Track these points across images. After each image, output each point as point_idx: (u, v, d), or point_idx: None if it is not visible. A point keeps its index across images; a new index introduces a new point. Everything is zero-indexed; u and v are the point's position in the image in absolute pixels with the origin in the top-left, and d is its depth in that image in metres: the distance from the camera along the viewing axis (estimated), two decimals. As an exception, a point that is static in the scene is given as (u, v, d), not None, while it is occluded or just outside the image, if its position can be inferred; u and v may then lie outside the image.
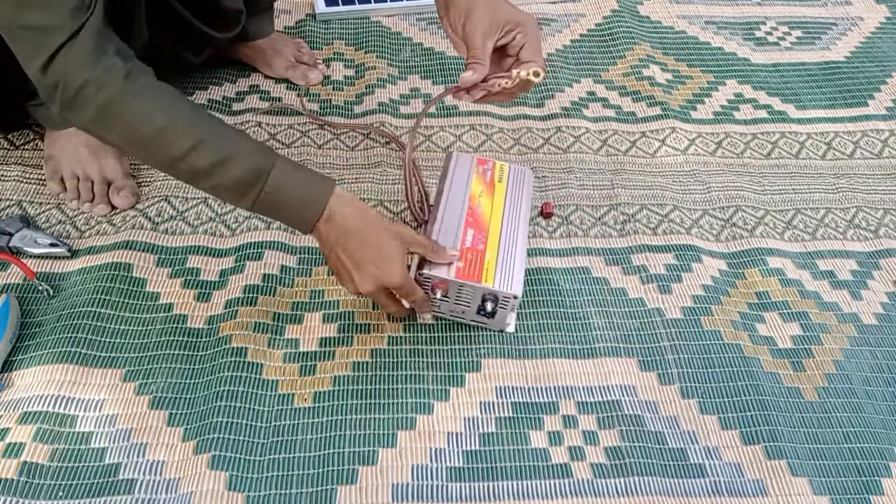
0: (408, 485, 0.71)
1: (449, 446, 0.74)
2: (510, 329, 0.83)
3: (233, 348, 0.78)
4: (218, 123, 0.71)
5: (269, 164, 0.69)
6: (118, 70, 0.67)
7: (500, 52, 0.77)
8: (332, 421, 0.75)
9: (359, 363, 0.79)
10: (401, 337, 0.82)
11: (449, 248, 0.78)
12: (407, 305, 0.78)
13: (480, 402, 0.77)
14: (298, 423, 0.74)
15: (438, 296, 0.78)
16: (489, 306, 0.78)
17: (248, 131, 1.03)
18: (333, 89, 1.11)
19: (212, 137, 0.68)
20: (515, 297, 0.77)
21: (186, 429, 0.73)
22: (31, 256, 0.85)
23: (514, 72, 0.76)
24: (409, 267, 0.76)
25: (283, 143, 1.02)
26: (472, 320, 0.82)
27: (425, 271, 0.77)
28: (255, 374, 0.77)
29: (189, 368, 0.78)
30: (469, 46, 0.75)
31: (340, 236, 0.72)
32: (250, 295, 0.84)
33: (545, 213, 0.96)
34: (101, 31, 0.67)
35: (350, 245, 0.72)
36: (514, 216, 0.85)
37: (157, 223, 0.90)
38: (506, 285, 0.77)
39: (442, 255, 0.77)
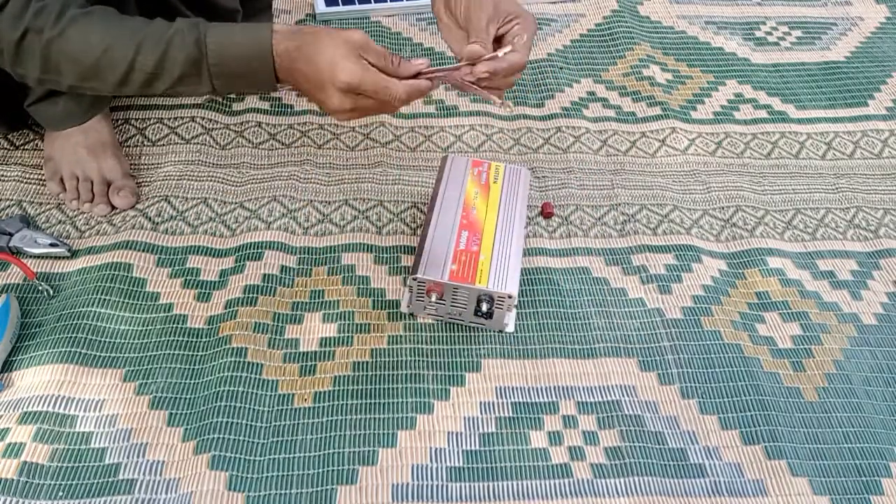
0: (408, 485, 0.71)
1: (449, 446, 0.74)
2: (509, 329, 0.83)
3: (233, 348, 0.78)
4: (150, 23, 0.70)
5: (204, 30, 0.68)
6: (49, 10, 0.68)
7: (497, 43, 0.77)
8: (332, 421, 0.75)
9: (359, 363, 0.79)
10: (401, 337, 0.82)
11: (415, 60, 0.72)
12: (396, 98, 0.71)
13: (480, 402, 0.77)
14: (298, 423, 0.74)
15: (434, 299, 0.78)
16: (485, 307, 0.78)
17: (248, 131, 1.03)
18: (333, 89, 1.10)
19: (149, 35, 0.69)
20: (510, 297, 0.78)
21: (186, 429, 0.73)
22: (31, 256, 0.85)
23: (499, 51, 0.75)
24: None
25: (282, 143, 1.02)
26: (471, 322, 0.82)
27: (419, 275, 0.77)
28: (255, 374, 0.77)
29: (189, 368, 0.78)
30: (472, 30, 0.75)
31: (294, 65, 0.69)
32: (250, 295, 0.84)
33: (545, 213, 0.96)
34: None
35: (303, 70, 0.69)
36: (509, 216, 0.85)
37: (157, 223, 0.90)
38: (500, 285, 0.78)
39: (405, 66, 0.71)
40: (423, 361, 0.80)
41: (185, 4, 0.90)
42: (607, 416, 0.77)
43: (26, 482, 0.68)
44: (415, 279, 0.78)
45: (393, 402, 0.76)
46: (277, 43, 0.69)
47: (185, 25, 0.69)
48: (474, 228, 0.83)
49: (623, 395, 0.79)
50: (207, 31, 0.69)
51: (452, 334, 0.83)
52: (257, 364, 0.78)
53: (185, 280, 0.85)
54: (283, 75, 0.70)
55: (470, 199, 0.87)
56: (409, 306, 0.83)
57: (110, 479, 0.69)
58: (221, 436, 0.72)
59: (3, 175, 0.94)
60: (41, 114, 0.91)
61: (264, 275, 0.86)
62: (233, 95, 1.08)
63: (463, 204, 0.86)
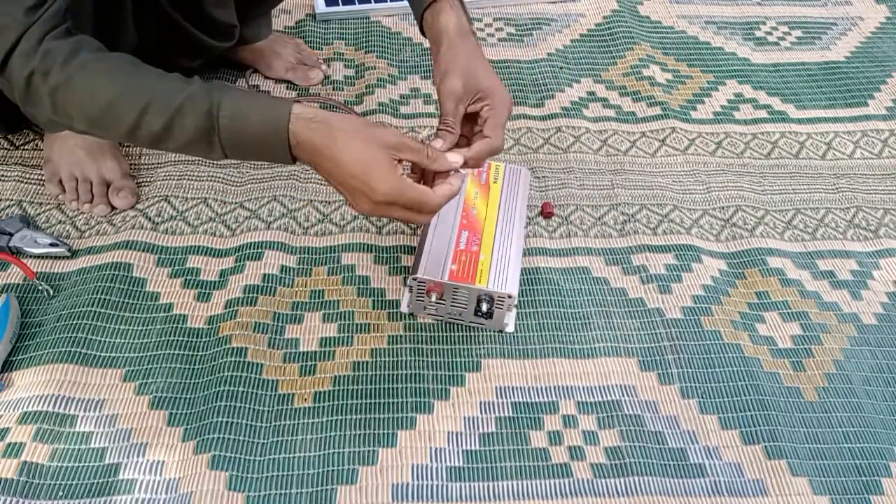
0: (408, 485, 0.71)
1: (449, 446, 0.74)
2: (509, 329, 0.83)
3: (233, 348, 0.78)
4: (162, 80, 0.66)
5: (217, 102, 0.63)
6: (57, 53, 0.64)
7: (472, 117, 0.75)
8: (332, 421, 0.75)
9: (359, 363, 0.79)
10: (401, 336, 0.82)
11: (450, 154, 0.69)
12: (431, 212, 0.67)
13: (480, 402, 0.77)
14: (298, 423, 0.74)
15: (434, 299, 0.78)
16: (485, 307, 0.78)
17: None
18: (333, 89, 1.11)
19: (158, 96, 0.64)
20: (510, 297, 0.78)
21: (186, 429, 0.73)
22: (31, 256, 0.85)
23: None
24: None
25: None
26: (471, 321, 0.82)
27: (419, 275, 0.78)
28: (255, 374, 0.77)
29: (189, 368, 0.78)
30: (442, 110, 0.73)
31: (315, 159, 0.65)
32: (250, 295, 0.84)
33: (545, 213, 0.96)
34: (51, 22, 0.65)
35: (326, 167, 0.65)
36: (509, 216, 0.86)
37: (157, 223, 0.90)
38: (500, 285, 0.78)
39: (441, 161, 0.68)
40: (423, 361, 0.80)
41: (187, 16, 0.90)
42: (607, 416, 0.77)
43: (26, 482, 0.68)
44: (415, 279, 0.78)
45: (393, 402, 0.76)
46: (297, 132, 0.64)
47: (198, 91, 0.64)
48: (474, 228, 0.83)
49: (623, 395, 0.79)
50: (221, 103, 0.64)
51: (452, 334, 0.83)
52: (257, 364, 0.78)
53: (185, 280, 0.85)
54: (301, 157, 0.66)
55: (470, 199, 0.87)
56: (409, 306, 0.83)
57: (110, 479, 0.69)
58: (221, 436, 0.72)
59: (3, 175, 0.94)
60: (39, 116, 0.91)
61: (264, 275, 0.86)
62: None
63: (463, 204, 0.86)
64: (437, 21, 0.74)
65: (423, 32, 0.78)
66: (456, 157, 0.69)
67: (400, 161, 0.65)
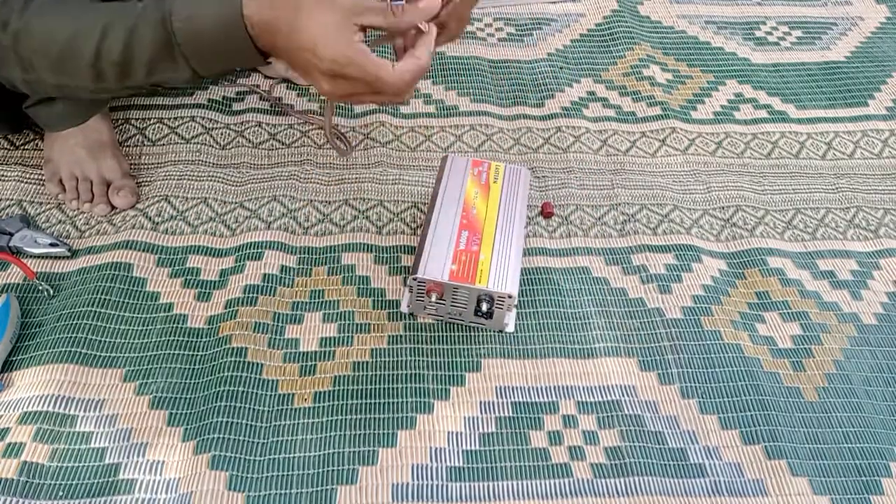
0: (408, 484, 0.71)
1: (449, 446, 0.74)
2: (509, 329, 0.83)
3: (233, 348, 0.78)
4: (115, 6, 0.64)
5: (169, 9, 0.61)
6: (13, 1, 0.64)
7: None
8: (332, 421, 0.75)
9: (359, 363, 0.79)
10: (401, 336, 0.82)
11: (422, 2, 0.60)
12: (387, 97, 0.62)
13: (480, 402, 0.77)
14: (298, 423, 0.74)
15: (434, 299, 0.78)
16: (485, 307, 0.78)
17: (248, 131, 1.03)
18: (333, 89, 1.10)
19: (112, 21, 0.63)
20: (510, 297, 0.78)
21: (186, 429, 0.73)
22: (31, 256, 0.85)
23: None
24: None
25: (283, 143, 1.02)
26: (471, 322, 0.82)
27: (419, 275, 0.78)
28: (255, 374, 0.77)
29: (189, 368, 0.78)
30: None
31: (278, 42, 0.60)
32: (250, 295, 0.84)
33: (545, 213, 0.96)
34: None
35: (287, 50, 0.60)
36: (510, 216, 0.86)
37: (157, 223, 0.90)
38: (500, 285, 0.78)
39: (412, 14, 0.59)
40: (423, 361, 0.80)
41: None
42: (607, 416, 0.77)
43: (26, 482, 0.68)
44: (415, 279, 0.78)
45: (393, 402, 0.76)
46: (251, 14, 0.59)
47: (149, 4, 0.62)
48: (474, 228, 0.83)
49: (623, 395, 0.79)
50: (173, 10, 0.61)
51: (452, 334, 0.83)
52: (257, 364, 0.78)
53: (185, 280, 0.85)
54: (267, 49, 0.61)
55: (470, 199, 0.87)
56: (409, 306, 0.83)
57: (110, 479, 0.69)
58: (221, 436, 0.72)
59: (3, 175, 0.94)
60: (40, 115, 0.91)
61: (264, 274, 0.86)
62: (232, 95, 1.08)
63: (463, 204, 0.86)
64: None
65: None
66: (432, 3, 0.60)
67: (364, 30, 0.58)
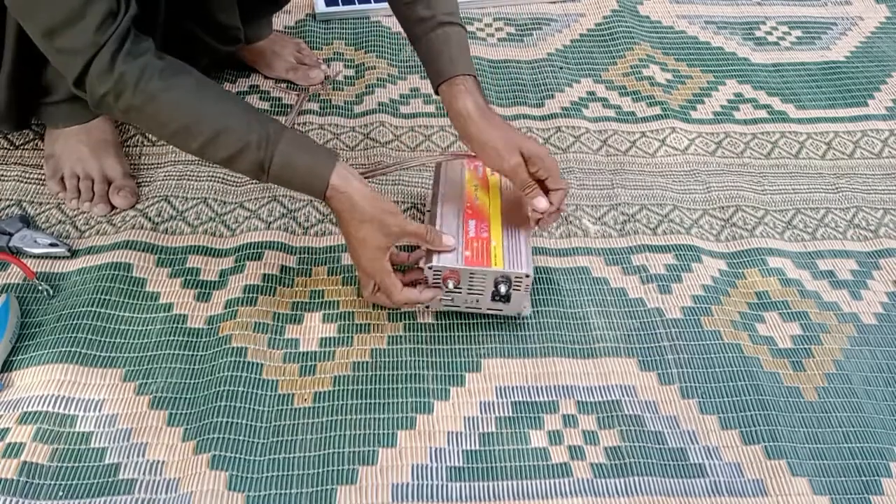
0: (408, 484, 0.71)
1: (449, 446, 0.74)
2: (527, 312, 0.82)
3: (233, 348, 0.78)
4: (226, 116, 0.72)
5: (270, 156, 0.72)
6: (129, 77, 0.69)
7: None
8: (331, 421, 0.75)
9: (359, 363, 0.79)
10: (401, 336, 0.82)
11: (446, 234, 0.78)
12: (388, 301, 0.79)
13: (480, 402, 0.77)
14: (298, 423, 0.74)
15: (451, 286, 0.77)
16: (503, 289, 0.77)
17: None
18: (333, 89, 1.11)
19: (221, 135, 0.72)
20: (528, 276, 0.77)
21: (186, 429, 0.73)
22: (30, 256, 0.85)
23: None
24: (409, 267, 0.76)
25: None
26: (489, 309, 0.81)
27: (434, 263, 0.77)
28: (255, 374, 0.77)
29: (189, 368, 0.78)
30: (514, 180, 0.80)
31: (338, 215, 0.76)
32: (250, 295, 0.84)
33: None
34: (121, 38, 0.69)
35: (343, 226, 0.77)
36: (513, 202, 0.85)
37: (157, 223, 0.90)
38: (516, 266, 0.77)
39: (438, 241, 0.77)
40: (423, 361, 0.80)
41: (195, 20, 0.91)
42: (607, 416, 0.77)
43: (26, 482, 0.68)
44: (430, 268, 0.77)
45: (393, 402, 0.76)
46: (330, 197, 0.74)
47: (254, 141, 0.72)
48: (480, 216, 0.82)
49: (623, 395, 0.79)
50: (273, 158, 0.72)
51: (452, 334, 0.83)
52: (257, 364, 0.78)
53: (185, 280, 0.85)
54: (331, 205, 0.76)
55: (471, 191, 0.86)
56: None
57: (110, 479, 0.69)
58: (221, 436, 0.72)
59: (3, 175, 0.94)
60: (45, 112, 0.91)
61: (264, 275, 0.86)
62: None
63: (465, 195, 0.85)
64: (455, 103, 0.80)
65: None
66: (450, 241, 0.78)
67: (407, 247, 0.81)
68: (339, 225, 0.77)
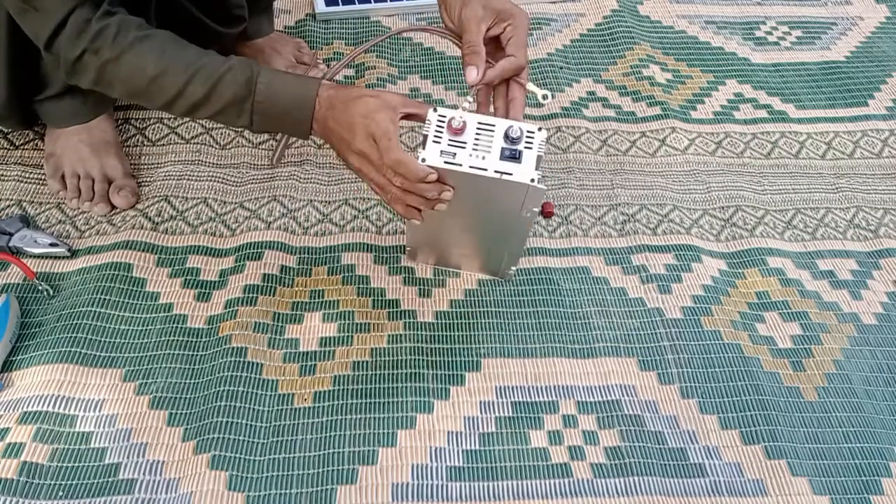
0: (408, 484, 0.71)
1: (449, 446, 0.74)
2: (540, 186, 0.70)
3: (233, 348, 0.78)
4: (205, 54, 0.73)
5: (257, 72, 0.72)
6: (107, 32, 0.70)
7: (495, 43, 0.76)
8: (331, 421, 0.75)
9: (359, 363, 0.79)
10: (401, 336, 0.82)
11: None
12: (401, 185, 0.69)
13: (480, 402, 0.77)
14: (298, 423, 0.74)
15: (455, 138, 0.70)
16: (513, 143, 0.70)
17: (248, 132, 1.02)
18: (333, 89, 1.10)
19: (203, 68, 0.71)
20: (540, 130, 0.71)
21: (186, 429, 0.73)
22: (30, 256, 0.85)
23: (529, 85, 0.76)
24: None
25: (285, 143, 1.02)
26: (495, 171, 0.69)
27: (441, 111, 0.71)
28: (255, 373, 0.77)
29: (189, 368, 0.78)
30: (465, 33, 0.75)
31: (330, 118, 0.71)
32: (250, 295, 0.84)
33: (545, 213, 0.95)
34: (94, 3, 0.70)
35: (337, 120, 0.71)
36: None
37: (157, 223, 0.90)
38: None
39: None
40: (423, 361, 0.80)
41: (195, 2, 0.90)
42: (607, 416, 0.77)
43: (26, 482, 0.68)
44: (435, 110, 0.71)
45: (393, 402, 0.76)
46: (322, 91, 0.72)
47: (238, 63, 0.72)
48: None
49: (623, 395, 0.79)
50: (260, 72, 0.72)
51: (452, 334, 0.83)
52: (257, 364, 0.78)
53: (185, 280, 0.85)
54: (318, 125, 0.73)
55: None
56: (422, 149, 0.71)
57: (110, 479, 0.69)
58: (221, 435, 0.72)
59: (3, 175, 0.94)
60: (46, 112, 0.91)
61: (264, 274, 0.86)
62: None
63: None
64: None
65: None
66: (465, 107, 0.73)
67: (406, 117, 0.71)
68: (333, 120, 0.71)
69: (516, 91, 0.76)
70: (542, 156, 0.71)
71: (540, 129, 0.71)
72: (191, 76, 0.71)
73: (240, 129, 1.03)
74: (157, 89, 0.73)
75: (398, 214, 0.74)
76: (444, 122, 0.70)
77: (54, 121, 0.92)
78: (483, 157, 0.70)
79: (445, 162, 0.69)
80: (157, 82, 0.72)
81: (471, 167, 0.69)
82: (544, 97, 0.78)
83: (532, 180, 0.69)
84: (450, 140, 0.70)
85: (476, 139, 0.70)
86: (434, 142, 0.70)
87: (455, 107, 1.10)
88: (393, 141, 0.68)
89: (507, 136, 0.70)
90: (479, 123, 0.71)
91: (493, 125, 0.71)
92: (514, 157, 0.70)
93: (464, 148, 0.70)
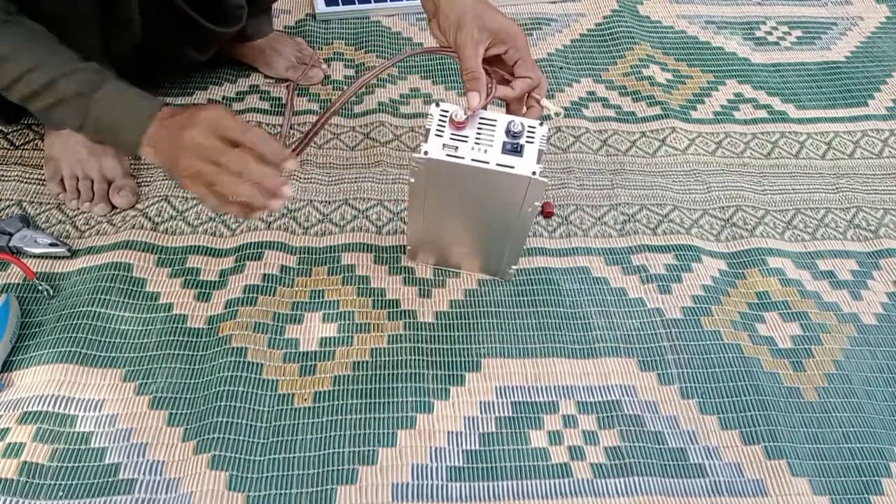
0: (408, 484, 0.71)
1: (449, 446, 0.74)
2: (542, 178, 0.70)
3: (233, 348, 0.78)
4: (61, 51, 0.71)
5: (98, 85, 0.70)
6: None
7: (494, 60, 0.76)
8: (331, 421, 0.75)
9: (358, 363, 0.79)
10: (401, 336, 0.82)
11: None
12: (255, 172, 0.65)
13: (480, 402, 0.77)
14: (298, 423, 0.74)
15: (457, 132, 0.70)
16: (515, 137, 0.70)
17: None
18: (333, 89, 1.11)
19: (46, 60, 0.70)
20: (542, 124, 0.72)
21: (186, 429, 0.73)
22: (30, 256, 0.85)
23: (544, 101, 0.76)
24: None
25: (283, 143, 1.02)
26: (497, 165, 0.70)
27: (443, 104, 0.71)
28: (255, 374, 0.77)
29: (189, 368, 0.78)
30: (462, 60, 0.74)
31: (170, 123, 0.69)
32: (250, 295, 0.84)
33: (545, 213, 0.96)
34: None
35: (177, 121, 0.68)
36: None
37: (157, 223, 0.90)
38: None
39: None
40: (423, 361, 0.80)
41: (192, 3, 0.90)
42: (607, 416, 0.77)
43: (26, 482, 0.68)
44: (437, 104, 0.71)
45: (393, 402, 0.76)
46: (151, 133, 0.69)
47: (83, 69, 0.70)
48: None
49: (623, 395, 0.79)
50: (107, 80, 0.70)
51: (452, 334, 0.83)
52: (257, 364, 0.78)
53: (185, 280, 0.85)
54: (153, 132, 0.69)
55: None
56: (424, 143, 0.71)
57: (110, 479, 0.69)
58: (221, 436, 0.72)
59: (2, 175, 0.94)
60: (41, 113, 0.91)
61: (264, 275, 0.86)
62: (232, 95, 1.07)
63: None
64: None
65: None
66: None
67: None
68: (173, 123, 0.68)
69: (531, 103, 0.77)
70: (544, 150, 0.71)
71: (541, 123, 0.71)
72: (34, 66, 0.69)
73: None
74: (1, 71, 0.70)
75: (216, 209, 0.69)
76: (446, 116, 0.70)
77: (50, 123, 0.92)
78: (485, 151, 0.70)
79: (448, 155, 0.70)
80: (2, 63, 0.70)
81: (473, 160, 0.70)
82: (557, 114, 0.79)
83: (533, 173, 0.69)
84: (452, 134, 0.70)
85: (478, 133, 0.71)
86: (436, 135, 0.70)
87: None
88: (243, 134, 0.65)
89: (508, 131, 0.71)
90: (481, 118, 0.71)
91: (495, 120, 0.71)
92: (516, 150, 0.70)
93: (465, 142, 0.70)
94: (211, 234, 0.90)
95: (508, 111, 0.78)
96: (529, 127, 0.71)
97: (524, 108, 0.78)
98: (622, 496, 0.71)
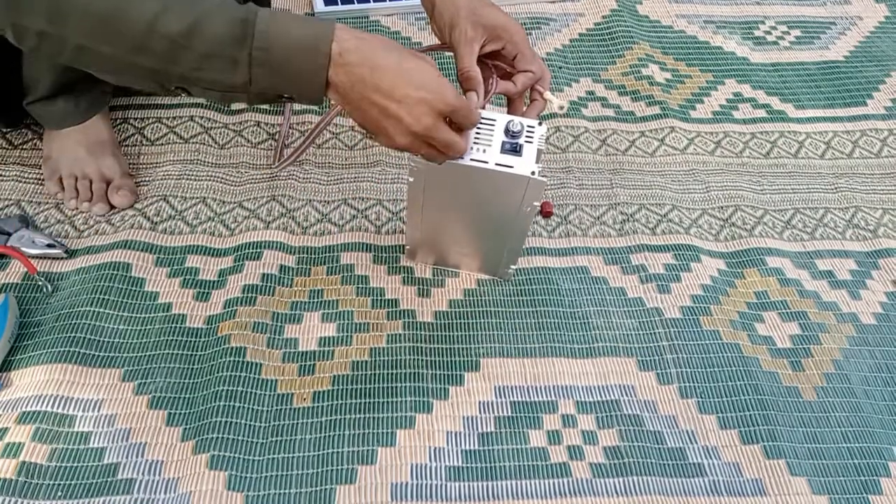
0: (407, 484, 0.71)
1: (448, 445, 0.74)
2: (541, 178, 0.70)
3: (232, 348, 0.78)
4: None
5: (254, 12, 0.57)
6: None
7: (495, 56, 0.76)
8: (331, 420, 0.75)
9: (358, 362, 0.79)
10: (400, 335, 0.82)
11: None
12: (457, 143, 0.64)
13: (479, 402, 0.77)
14: (297, 423, 0.74)
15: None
16: (514, 136, 0.70)
17: (246, 131, 1.03)
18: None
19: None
20: (541, 124, 0.72)
21: (185, 428, 0.73)
22: (28, 257, 0.85)
23: (547, 94, 0.76)
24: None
25: (282, 143, 1.02)
26: (496, 165, 0.70)
27: None
28: (254, 373, 0.77)
29: (188, 368, 0.78)
30: (458, 59, 0.72)
31: (366, 74, 0.59)
32: (249, 294, 0.83)
33: (544, 213, 0.95)
34: None
35: (383, 79, 0.59)
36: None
37: (156, 223, 0.90)
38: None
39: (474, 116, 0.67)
40: (422, 361, 0.80)
41: None
42: (606, 416, 0.77)
43: (25, 482, 0.68)
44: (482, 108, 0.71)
45: (392, 402, 0.76)
46: (340, 38, 0.59)
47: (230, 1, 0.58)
48: None
49: (622, 395, 0.79)
50: (259, 11, 0.58)
51: (452, 334, 0.83)
52: (256, 364, 0.78)
53: (184, 280, 0.85)
54: (339, 80, 0.60)
55: None
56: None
57: (109, 479, 0.69)
58: (220, 435, 0.72)
59: (1, 174, 0.94)
60: (40, 113, 0.91)
61: (263, 274, 0.86)
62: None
63: None
64: None
65: None
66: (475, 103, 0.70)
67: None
68: (378, 78, 0.59)
69: (535, 97, 0.76)
70: (543, 149, 0.72)
71: (540, 122, 0.71)
72: (165, 3, 0.55)
73: (236, 128, 1.02)
74: (124, 16, 0.56)
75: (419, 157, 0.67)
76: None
77: (48, 122, 0.92)
78: (484, 151, 0.70)
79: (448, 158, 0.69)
80: (122, 7, 0.55)
81: (472, 160, 0.70)
82: (561, 108, 0.78)
83: (532, 173, 0.70)
84: None
85: (476, 133, 0.71)
86: None
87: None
88: (448, 93, 0.61)
89: (507, 130, 0.71)
90: (480, 118, 0.71)
91: (494, 119, 0.71)
92: (515, 150, 0.70)
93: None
94: (210, 233, 0.90)
95: (510, 109, 0.78)
96: (528, 126, 0.72)
97: (524, 108, 0.78)
98: (621, 496, 0.71)
